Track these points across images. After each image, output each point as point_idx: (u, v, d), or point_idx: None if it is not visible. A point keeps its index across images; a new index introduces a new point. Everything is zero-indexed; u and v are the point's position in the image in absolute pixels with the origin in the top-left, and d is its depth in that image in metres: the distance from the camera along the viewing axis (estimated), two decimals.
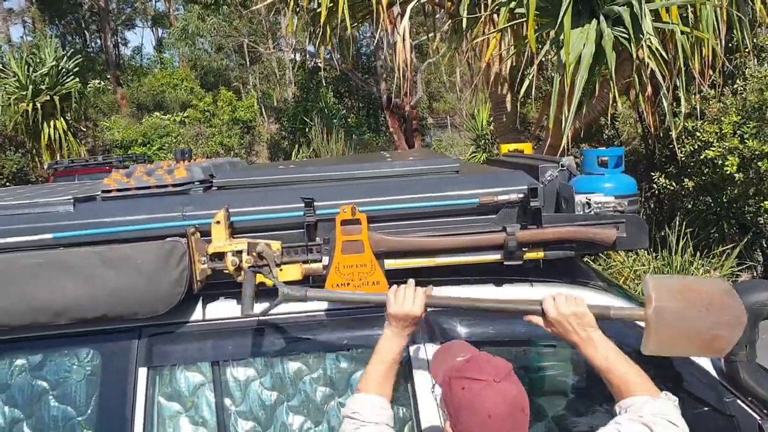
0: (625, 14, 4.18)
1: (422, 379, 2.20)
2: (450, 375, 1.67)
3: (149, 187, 2.38)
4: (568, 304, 1.86)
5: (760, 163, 5.91)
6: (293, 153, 16.11)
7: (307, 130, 17.42)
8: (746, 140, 5.98)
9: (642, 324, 1.96)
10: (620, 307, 1.98)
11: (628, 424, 1.65)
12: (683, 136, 6.51)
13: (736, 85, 6.46)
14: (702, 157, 6.29)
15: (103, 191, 2.38)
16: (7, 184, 15.71)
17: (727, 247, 6.57)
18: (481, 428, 1.57)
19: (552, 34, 4.73)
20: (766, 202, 6.14)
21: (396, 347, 1.93)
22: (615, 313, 1.92)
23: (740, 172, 6.08)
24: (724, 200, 7.03)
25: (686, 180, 6.85)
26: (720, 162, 6.14)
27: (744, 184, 6.27)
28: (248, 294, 2.11)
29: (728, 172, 6.04)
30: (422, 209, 2.25)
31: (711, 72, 5.17)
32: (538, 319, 1.92)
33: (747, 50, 5.64)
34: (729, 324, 1.89)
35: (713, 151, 6.14)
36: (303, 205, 2.17)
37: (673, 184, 7.03)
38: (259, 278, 2.19)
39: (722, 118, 6.20)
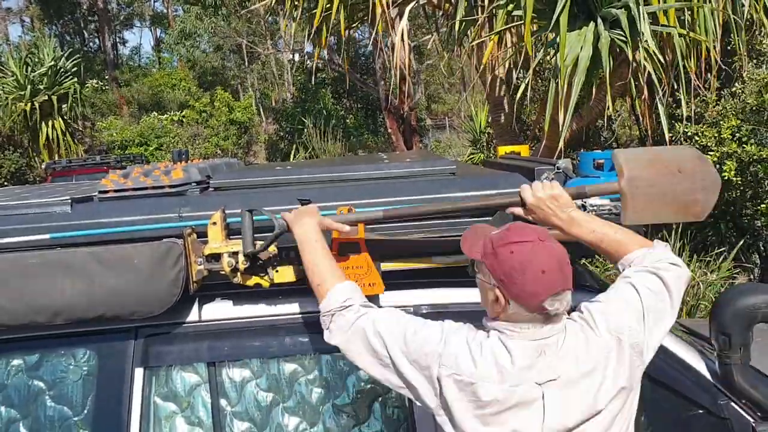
0: (622, 17, 4.19)
1: None
2: (494, 245, 1.68)
3: (146, 188, 2.38)
4: (544, 188, 1.93)
5: (758, 167, 5.93)
6: (291, 154, 16.12)
7: (305, 131, 17.43)
8: (744, 144, 6.00)
9: None
10: (595, 185, 2.04)
11: (638, 276, 1.75)
12: (681, 140, 6.53)
13: (734, 88, 6.48)
14: None
15: (100, 192, 2.38)
16: (5, 183, 15.70)
17: (724, 249, 6.58)
18: (535, 284, 1.60)
19: (549, 36, 4.74)
20: (762, 206, 6.15)
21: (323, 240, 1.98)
22: (590, 189, 2.00)
23: (738, 176, 6.10)
24: (722, 203, 7.04)
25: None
26: (718, 167, 6.16)
27: (742, 187, 6.28)
28: (247, 232, 2.11)
29: (726, 177, 6.06)
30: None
31: (708, 75, 5.18)
32: (519, 210, 1.98)
33: (744, 54, 5.65)
34: (704, 188, 1.96)
35: (711, 156, 6.16)
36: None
37: None
38: (256, 279, 2.19)
39: (721, 122, 6.21)
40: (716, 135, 6.18)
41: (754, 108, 6.07)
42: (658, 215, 2.01)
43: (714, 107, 6.39)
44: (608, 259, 1.90)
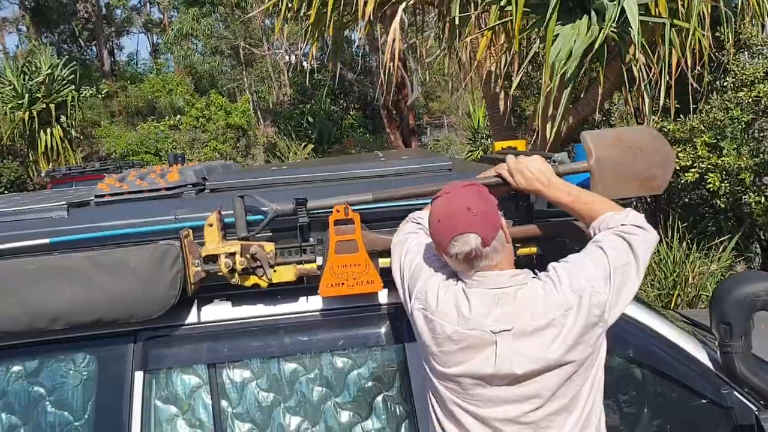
0: (614, 9, 4.19)
1: (419, 378, 2.21)
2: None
3: (142, 191, 2.38)
4: (525, 158, 2.08)
5: (742, 176, 5.92)
6: (290, 155, 16.12)
7: (303, 132, 17.44)
8: (724, 156, 6.00)
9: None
10: (567, 165, 2.18)
11: (606, 240, 1.84)
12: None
13: (725, 81, 6.46)
14: (683, 181, 6.33)
15: (97, 196, 2.38)
16: (5, 192, 15.73)
17: (724, 238, 6.57)
18: (437, 233, 1.81)
19: (542, 30, 4.73)
20: (757, 207, 6.13)
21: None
22: (563, 169, 2.14)
23: (725, 182, 6.11)
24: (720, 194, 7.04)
25: (682, 174, 6.85)
26: (700, 181, 6.19)
27: (731, 193, 6.27)
28: (240, 218, 2.15)
29: (711, 189, 6.10)
30: (415, 208, 2.25)
31: (699, 68, 5.17)
32: (506, 174, 2.10)
33: (731, 45, 5.62)
34: (660, 164, 2.14)
35: (692, 173, 6.20)
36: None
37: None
38: (254, 280, 2.19)
39: (694, 139, 6.23)
40: (693, 152, 6.22)
41: (724, 121, 6.10)
42: (624, 190, 2.15)
43: (684, 126, 6.37)
44: (581, 221, 2.02)
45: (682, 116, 6.36)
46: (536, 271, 1.86)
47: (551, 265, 1.84)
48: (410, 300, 1.93)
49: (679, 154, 6.27)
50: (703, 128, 6.24)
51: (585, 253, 1.85)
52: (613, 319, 1.79)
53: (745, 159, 5.90)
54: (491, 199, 1.86)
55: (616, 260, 1.79)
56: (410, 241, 2.05)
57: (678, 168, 6.28)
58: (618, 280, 1.78)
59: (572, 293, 1.74)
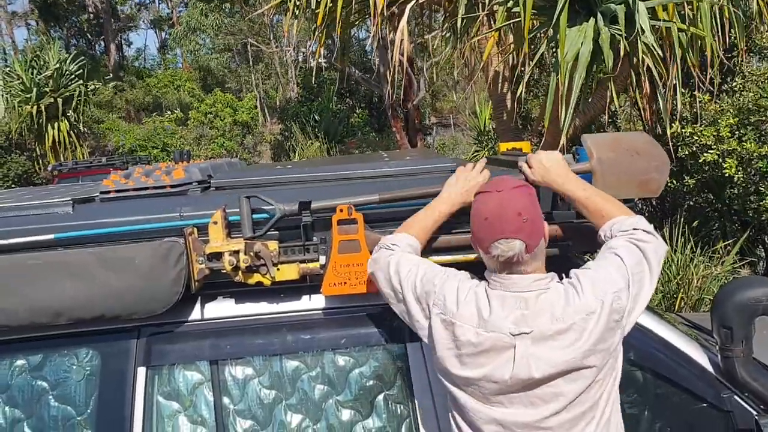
0: (621, 12, 4.19)
1: (420, 377, 2.22)
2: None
3: (147, 188, 2.39)
4: (545, 152, 2.15)
5: (760, 164, 5.92)
6: (297, 153, 16.12)
7: (310, 130, 17.44)
8: (744, 142, 5.99)
9: None
10: (570, 165, 2.19)
11: (622, 247, 1.86)
12: (682, 139, 6.52)
13: (735, 83, 6.45)
14: (701, 160, 6.31)
15: (102, 192, 2.40)
16: (13, 186, 15.79)
17: (729, 242, 6.56)
18: (480, 230, 1.82)
19: (550, 32, 4.73)
20: (765, 201, 6.12)
21: (447, 212, 2.12)
22: (572, 167, 2.17)
23: (739, 171, 6.09)
24: (725, 197, 7.03)
25: (687, 178, 6.85)
26: (719, 162, 6.16)
27: (744, 183, 6.27)
28: (246, 218, 2.17)
29: (727, 174, 6.07)
30: (419, 208, 2.26)
31: (711, 70, 5.16)
32: (526, 168, 2.15)
33: (744, 49, 5.63)
34: (657, 168, 2.19)
35: (711, 154, 6.17)
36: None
37: (674, 181, 7.03)
38: (257, 278, 2.20)
39: (719, 120, 6.21)
40: (715, 133, 6.18)
41: (751, 107, 6.07)
42: (624, 191, 2.18)
43: (711, 106, 6.38)
44: (591, 218, 2.03)
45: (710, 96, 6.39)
46: (563, 275, 1.86)
47: (573, 272, 1.85)
48: (424, 310, 1.91)
49: (703, 132, 6.28)
50: (731, 111, 6.23)
51: (603, 259, 1.87)
52: (629, 326, 1.81)
53: (766, 148, 5.91)
54: (538, 204, 1.87)
55: (634, 267, 1.81)
56: (392, 263, 2.01)
57: (698, 147, 6.33)
58: (636, 288, 1.80)
59: (594, 298, 1.74)
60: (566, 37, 4.44)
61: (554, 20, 4.35)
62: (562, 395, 1.73)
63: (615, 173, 2.17)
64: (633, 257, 1.83)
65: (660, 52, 4.54)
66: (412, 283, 1.94)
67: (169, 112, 22.06)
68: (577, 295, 1.76)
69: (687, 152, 6.51)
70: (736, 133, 6.14)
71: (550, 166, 2.09)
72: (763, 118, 6.04)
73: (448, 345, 1.82)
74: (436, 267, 1.97)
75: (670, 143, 5.77)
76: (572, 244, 2.25)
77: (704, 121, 6.40)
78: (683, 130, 6.38)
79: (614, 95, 4.89)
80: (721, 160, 6.15)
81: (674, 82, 4.73)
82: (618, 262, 1.82)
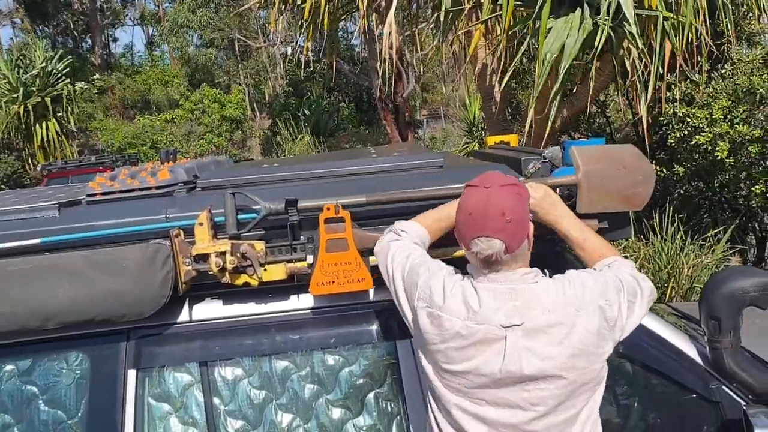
0: (604, 2, 4.19)
1: (410, 375, 2.22)
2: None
3: (133, 190, 2.38)
4: (540, 188, 2.10)
5: (750, 148, 5.93)
6: (287, 148, 16.09)
7: (300, 124, 17.40)
8: (736, 125, 6.00)
9: None
10: (555, 178, 2.23)
11: (620, 270, 1.88)
12: (673, 122, 6.53)
13: (723, 70, 6.47)
14: (693, 143, 6.31)
15: (88, 195, 2.38)
16: (3, 187, 15.70)
17: (719, 229, 6.58)
18: (463, 225, 1.80)
19: (538, 24, 4.73)
20: (756, 187, 6.15)
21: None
22: (552, 181, 2.19)
23: (731, 156, 6.11)
24: (716, 185, 7.05)
25: (677, 166, 6.86)
26: (710, 147, 6.16)
27: (735, 168, 6.29)
28: (230, 215, 2.16)
29: (719, 158, 6.07)
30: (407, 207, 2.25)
31: (699, 57, 5.17)
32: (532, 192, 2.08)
33: (733, 34, 5.63)
34: (642, 182, 2.19)
35: (703, 136, 6.17)
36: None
37: (664, 170, 7.05)
38: (244, 278, 2.20)
39: (712, 103, 6.21)
40: (708, 116, 6.19)
41: (744, 90, 6.07)
42: (607, 205, 2.20)
43: (705, 89, 6.39)
44: (583, 259, 2.02)
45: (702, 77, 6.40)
46: (545, 271, 1.85)
47: (568, 272, 1.85)
48: (410, 301, 1.90)
49: (695, 114, 6.29)
50: (724, 94, 6.24)
51: (600, 272, 1.88)
52: (619, 338, 1.79)
53: (758, 131, 5.93)
54: (527, 204, 1.86)
55: (629, 288, 1.82)
56: (392, 247, 2.02)
57: (691, 129, 6.34)
58: (626, 306, 1.80)
59: (584, 297, 1.75)
60: (552, 29, 4.44)
61: (535, 12, 4.34)
62: (549, 399, 1.72)
63: (601, 186, 2.16)
64: (629, 282, 1.83)
65: (641, 44, 4.55)
66: (401, 272, 1.94)
67: (157, 112, 21.94)
68: (568, 288, 1.75)
69: (678, 136, 6.49)
70: (728, 116, 6.15)
71: (546, 201, 2.07)
72: (755, 99, 6.05)
73: (434, 338, 1.80)
74: (428, 260, 1.95)
75: (646, 132, 5.73)
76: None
77: (697, 105, 6.39)
78: (676, 110, 6.37)
79: (595, 87, 4.89)
80: (712, 145, 6.15)
81: (659, 69, 4.73)
82: (613, 277, 1.83)
